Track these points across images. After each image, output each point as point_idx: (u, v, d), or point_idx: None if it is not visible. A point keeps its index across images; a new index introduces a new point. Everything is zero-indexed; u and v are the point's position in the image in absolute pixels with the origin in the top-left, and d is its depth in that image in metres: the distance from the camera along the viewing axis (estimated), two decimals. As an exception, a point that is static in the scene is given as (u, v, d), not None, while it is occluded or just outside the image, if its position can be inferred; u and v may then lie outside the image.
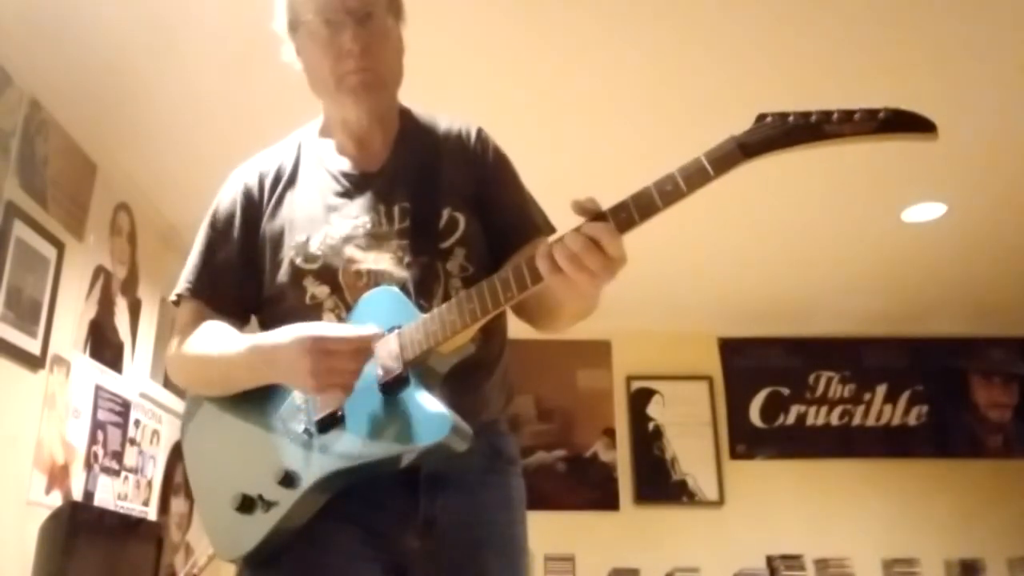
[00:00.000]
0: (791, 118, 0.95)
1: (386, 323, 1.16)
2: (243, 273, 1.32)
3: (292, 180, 1.35)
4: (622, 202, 1.01)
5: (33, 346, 2.61)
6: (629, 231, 1.01)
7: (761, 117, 0.97)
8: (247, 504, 1.19)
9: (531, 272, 1.06)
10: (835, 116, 0.93)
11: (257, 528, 1.18)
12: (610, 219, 1.01)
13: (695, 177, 0.97)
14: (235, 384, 1.27)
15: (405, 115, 1.40)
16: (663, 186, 0.99)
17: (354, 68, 1.25)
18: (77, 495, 2.83)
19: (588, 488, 4.63)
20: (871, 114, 0.92)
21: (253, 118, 2.64)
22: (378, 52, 1.27)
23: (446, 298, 1.23)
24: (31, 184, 2.62)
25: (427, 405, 1.10)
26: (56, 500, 2.67)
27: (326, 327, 1.14)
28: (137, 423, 3.29)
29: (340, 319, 1.24)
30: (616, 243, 1.01)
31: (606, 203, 1.04)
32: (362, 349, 1.12)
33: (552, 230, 1.35)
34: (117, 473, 3.11)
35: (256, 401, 1.25)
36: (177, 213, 3.46)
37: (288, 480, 1.17)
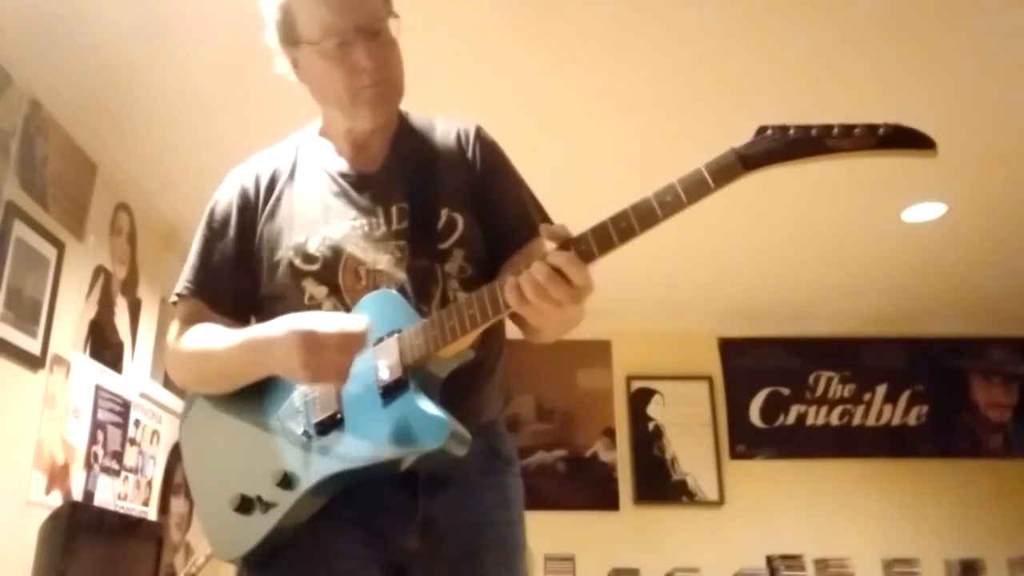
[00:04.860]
0: (792, 131, 0.96)
1: (385, 326, 1.17)
2: (241, 273, 1.33)
3: (290, 181, 1.36)
4: (601, 224, 1.02)
5: (33, 346, 2.61)
6: (628, 242, 1.01)
7: (761, 130, 0.97)
8: (246, 505, 1.19)
9: (492, 300, 1.09)
10: (836, 130, 0.94)
11: (256, 529, 1.19)
12: (573, 248, 1.02)
13: (695, 188, 0.98)
14: (233, 380, 1.27)
15: (402, 117, 1.40)
16: (663, 196, 0.99)
17: (370, 83, 1.26)
18: (77, 495, 2.83)
19: (588, 488, 4.63)
20: (871, 129, 0.93)
21: (253, 118, 2.64)
22: (389, 64, 1.28)
23: (444, 300, 1.23)
24: (31, 184, 2.62)
25: (426, 409, 1.10)
26: (56, 500, 2.67)
27: (318, 319, 1.14)
28: (137, 423, 3.29)
29: (339, 321, 1.24)
30: (580, 273, 1.02)
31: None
32: (353, 341, 1.12)
33: None
34: (117, 473, 3.12)
35: (255, 402, 1.26)
36: (177, 213, 3.46)
37: (287, 482, 1.17)
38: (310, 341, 1.11)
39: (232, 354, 1.22)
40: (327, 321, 1.13)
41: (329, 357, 1.11)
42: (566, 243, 1.03)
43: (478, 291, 1.11)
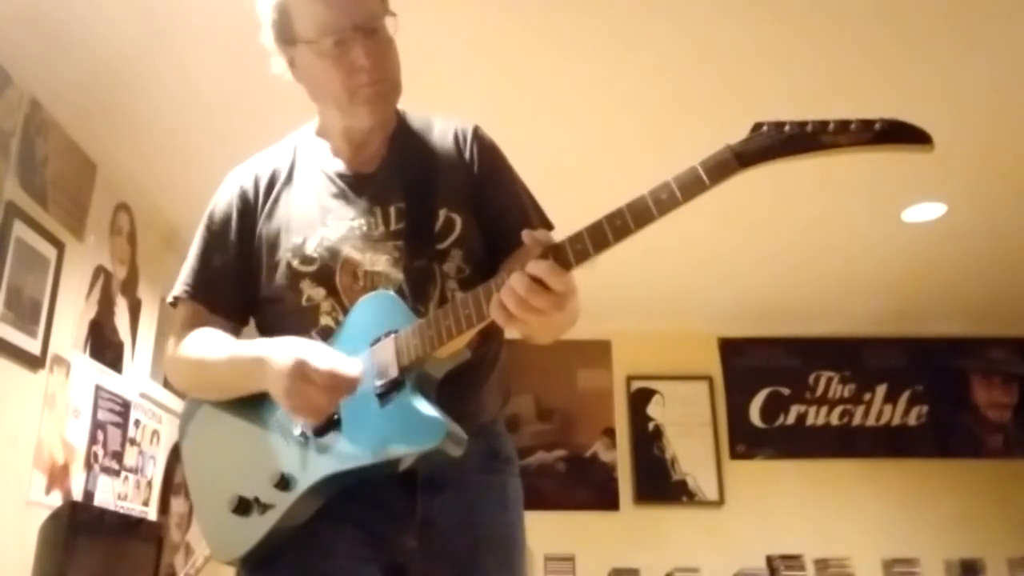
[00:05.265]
0: (787, 127, 0.94)
1: (382, 327, 1.16)
2: (240, 275, 1.33)
3: (288, 182, 1.35)
4: (597, 222, 1.01)
5: (33, 346, 2.61)
6: (624, 240, 1.00)
7: (757, 126, 0.96)
8: (243, 506, 1.19)
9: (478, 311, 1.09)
10: (831, 126, 0.92)
11: (253, 530, 1.19)
12: (567, 248, 1.01)
13: (690, 186, 0.97)
14: (229, 391, 1.27)
15: (400, 116, 1.40)
16: (658, 194, 0.98)
17: (368, 81, 1.25)
18: (77, 495, 2.84)
19: (588, 488, 4.63)
20: (867, 125, 0.92)
21: (253, 118, 2.64)
22: (387, 62, 1.28)
23: (442, 300, 1.23)
24: (31, 184, 2.62)
25: (422, 410, 1.10)
26: (56, 500, 2.68)
27: (314, 352, 1.12)
28: (137, 423, 3.29)
29: (337, 322, 1.24)
30: (560, 279, 1.01)
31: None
32: (341, 387, 1.11)
33: (550, 228, 1.35)
34: (117, 473, 3.12)
35: (253, 404, 1.25)
36: (177, 213, 3.47)
37: (284, 483, 1.17)
38: (299, 371, 1.10)
39: (233, 365, 1.22)
40: (322, 357, 1.12)
41: (312, 394, 1.10)
42: (546, 251, 1.02)
43: (474, 291, 1.11)
